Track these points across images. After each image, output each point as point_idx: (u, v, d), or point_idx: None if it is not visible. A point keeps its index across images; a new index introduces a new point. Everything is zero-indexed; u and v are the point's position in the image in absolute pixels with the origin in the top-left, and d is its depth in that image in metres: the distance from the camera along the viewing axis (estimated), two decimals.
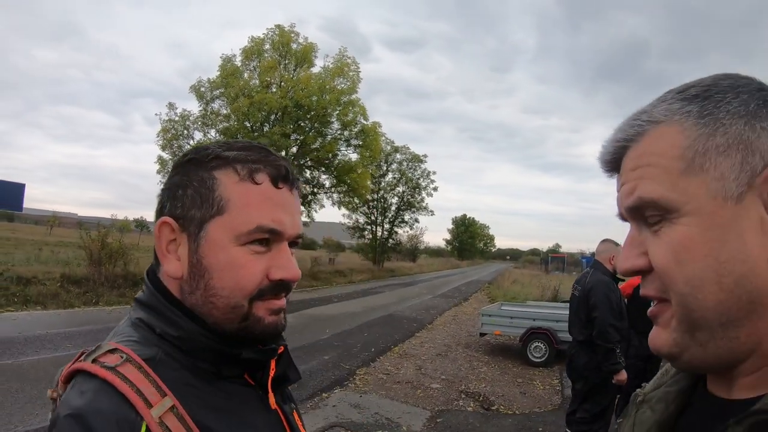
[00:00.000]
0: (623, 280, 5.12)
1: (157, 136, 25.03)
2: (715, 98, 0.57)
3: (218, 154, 0.85)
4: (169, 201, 0.87)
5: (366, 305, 18.23)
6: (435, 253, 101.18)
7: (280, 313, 0.88)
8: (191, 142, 25.27)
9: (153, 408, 0.71)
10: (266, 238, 0.84)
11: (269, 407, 0.90)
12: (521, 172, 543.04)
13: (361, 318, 14.79)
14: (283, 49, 25.46)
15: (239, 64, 25.35)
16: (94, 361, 0.76)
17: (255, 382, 0.90)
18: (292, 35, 25.50)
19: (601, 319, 4.51)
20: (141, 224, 63.31)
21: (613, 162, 0.64)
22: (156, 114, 29.68)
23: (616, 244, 4.79)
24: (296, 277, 0.87)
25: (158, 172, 25.02)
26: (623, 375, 4.48)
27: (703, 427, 0.60)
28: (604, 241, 4.93)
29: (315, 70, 26.03)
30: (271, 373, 0.91)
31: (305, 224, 27.99)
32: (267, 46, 25.44)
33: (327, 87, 24.99)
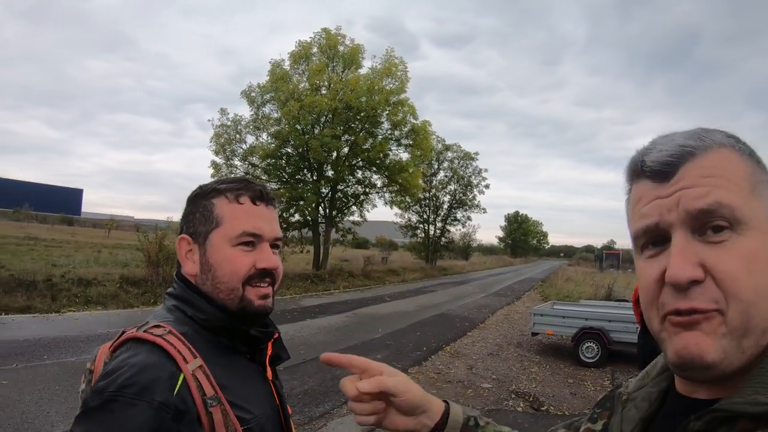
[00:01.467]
0: None
1: (210, 142, 25.68)
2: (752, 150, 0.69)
3: (214, 188, 1.18)
4: (185, 224, 1.20)
5: (418, 304, 18.34)
6: (488, 250, 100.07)
7: (266, 298, 1.16)
8: (244, 146, 25.95)
9: (188, 363, 1.00)
10: (251, 240, 1.14)
11: (266, 379, 1.20)
12: (574, 167, 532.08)
13: (414, 317, 14.89)
14: (330, 52, 25.66)
15: (288, 68, 25.67)
16: (145, 332, 1.04)
17: (255, 362, 1.20)
18: (339, 38, 25.68)
19: None
20: None
21: (670, 164, 0.67)
22: (209, 120, 30.39)
23: None
24: (275, 266, 1.16)
25: (212, 176, 25.53)
26: None
27: (672, 422, 0.69)
28: None
29: (363, 71, 26.20)
30: (269, 353, 1.21)
31: (358, 224, 28.58)
32: (314, 50, 25.67)
33: (376, 87, 25.06)
